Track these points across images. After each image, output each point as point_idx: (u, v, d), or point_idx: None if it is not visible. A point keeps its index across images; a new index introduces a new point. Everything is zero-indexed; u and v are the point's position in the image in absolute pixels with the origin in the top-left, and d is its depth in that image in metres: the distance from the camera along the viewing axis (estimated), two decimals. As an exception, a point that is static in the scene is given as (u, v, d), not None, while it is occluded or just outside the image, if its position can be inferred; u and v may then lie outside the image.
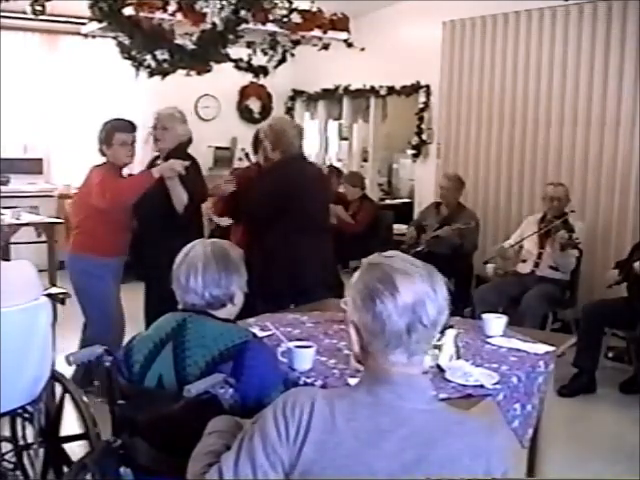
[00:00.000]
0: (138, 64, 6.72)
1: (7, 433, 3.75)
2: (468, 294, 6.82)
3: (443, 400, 2.59)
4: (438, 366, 2.98)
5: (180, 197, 5.01)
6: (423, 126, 9.31)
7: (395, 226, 9.28)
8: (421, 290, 1.80)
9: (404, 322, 1.78)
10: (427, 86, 9.24)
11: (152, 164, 5.48)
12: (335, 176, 8.84)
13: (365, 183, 9.04)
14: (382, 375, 1.83)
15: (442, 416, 1.85)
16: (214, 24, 6.33)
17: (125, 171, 5.52)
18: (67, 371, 3.19)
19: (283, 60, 7.30)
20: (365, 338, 1.85)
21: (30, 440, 3.60)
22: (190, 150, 5.72)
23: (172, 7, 6.33)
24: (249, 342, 2.53)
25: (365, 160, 11.05)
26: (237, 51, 7.11)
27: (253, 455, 1.80)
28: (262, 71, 7.37)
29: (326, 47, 7.48)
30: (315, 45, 7.49)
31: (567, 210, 6.58)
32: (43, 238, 7.77)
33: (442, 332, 3.10)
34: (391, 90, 9.75)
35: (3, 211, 7.55)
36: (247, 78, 8.24)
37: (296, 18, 6.94)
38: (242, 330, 2.63)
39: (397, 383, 1.82)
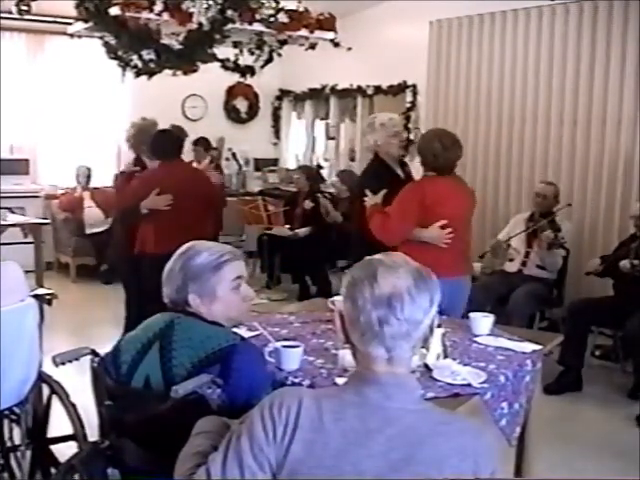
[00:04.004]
0: (124, 64, 6.72)
1: (-6, 435, 3.74)
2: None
3: (430, 399, 2.60)
4: (425, 365, 2.98)
5: None
6: (410, 125, 9.33)
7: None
8: (402, 284, 1.81)
9: (377, 313, 1.79)
10: (414, 86, 9.27)
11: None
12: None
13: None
14: (369, 375, 1.84)
15: (430, 416, 1.85)
16: (200, 24, 6.33)
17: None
18: (54, 372, 3.17)
19: (270, 60, 7.30)
20: (347, 327, 1.87)
21: (17, 442, 3.59)
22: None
23: (158, 7, 6.32)
24: (237, 345, 2.51)
25: (352, 160, 11.05)
26: (224, 51, 7.11)
27: (241, 455, 1.80)
28: (249, 71, 7.37)
29: (313, 47, 7.48)
30: (302, 45, 7.50)
31: (555, 209, 6.60)
32: (30, 239, 7.75)
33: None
34: (378, 90, 9.78)
35: (-11, 212, 7.53)
36: (234, 78, 8.22)
37: (283, 18, 6.95)
38: (229, 333, 2.61)
39: (385, 383, 1.82)
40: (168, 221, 5.63)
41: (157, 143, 5.94)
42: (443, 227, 4.50)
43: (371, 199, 4.83)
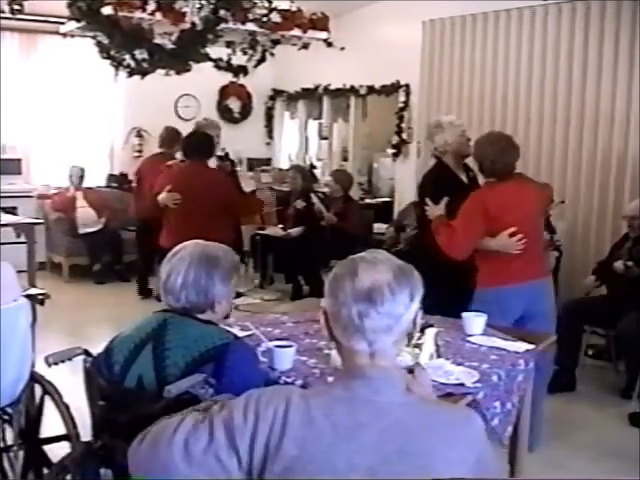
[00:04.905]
0: (117, 64, 6.71)
1: (-14, 435, 3.73)
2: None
3: (423, 399, 2.60)
4: (418, 365, 2.98)
5: None
6: (403, 125, 9.33)
7: (375, 225, 9.31)
8: (382, 278, 1.84)
9: (358, 307, 1.82)
10: (407, 85, 9.27)
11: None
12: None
13: (351, 183, 9.01)
14: (356, 370, 1.86)
15: (418, 408, 1.88)
16: (193, 24, 6.33)
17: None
18: (47, 372, 3.16)
19: (263, 60, 7.31)
20: (330, 323, 1.90)
21: (10, 442, 3.57)
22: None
23: (151, 7, 6.32)
24: (230, 344, 2.51)
25: (345, 159, 11.06)
26: (217, 51, 7.11)
27: (213, 427, 1.84)
28: (242, 71, 7.37)
29: (306, 46, 7.49)
30: (295, 45, 7.51)
31: (549, 210, 6.60)
32: (22, 239, 7.72)
33: (422, 331, 3.11)
34: (371, 89, 9.78)
35: (-19, 212, 7.51)
36: (227, 78, 8.24)
37: (276, 17, 6.95)
38: (223, 332, 2.61)
39: (372, 377, 1.84)
40: (176, 219, 5.97)
41: (184, 142, 6.35)
42: (512, 234, 4.36)
43: (433, 209, 4.67)
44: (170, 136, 8.57)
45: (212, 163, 6.61)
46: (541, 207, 4.76)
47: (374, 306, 1.82)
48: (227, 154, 7.14)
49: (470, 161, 5.15)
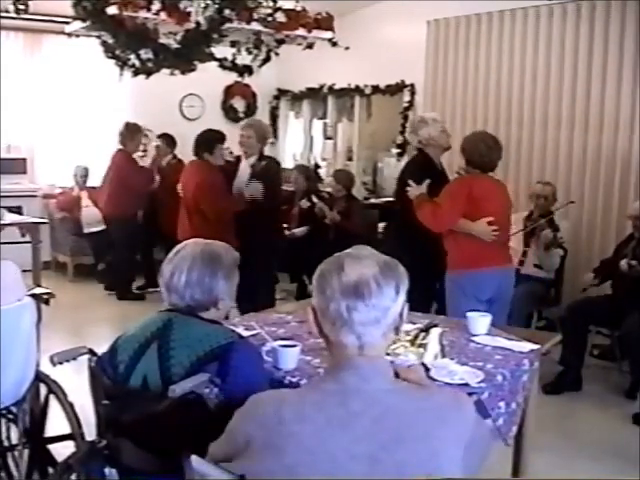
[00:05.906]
0: (122, 63, 6.72)
1: (-9, 434, 3.73)
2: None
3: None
4: (423, 365, 2.98)
5: None
6: (408, 125, 9.32)
7: (380, 224, 9.29)
8: (368, 272, 1.87)
9: (345, 300, 1.85)
10: (412, 85, 9.26)
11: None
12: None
13: (352, 182, 8.96)
14: (345, 361, 1.89)
15: (409, 394, 1.91)
16: (198, 23, 6.33)
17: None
18: (52, 372, 3.17)
19: (267, 59, 7.31)
20: (319, 319, 1.93)
21: (14, 441, 3.58)
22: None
23: (156, 6, 6.33)
24: (234, 343, 2.52)
25: (350, 159, 11.03)
26: (221, 50, 7.11)
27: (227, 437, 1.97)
28: (246, 70, 7.37)
29: (310, 46, 7.49)
30: (300, 44, 7.50)
31: (554, 209, 6.61)
32: (27, 238, 7.73)
33: (427, 331, 3.11)
34: (376, 89, 9.77)
35: (-14, 211, 7.51)
36: (232, 77, 8.24)
37: (280, 17, 6.96)
38: (228, 331, 2.62)
39: (359, 366, 1.87)
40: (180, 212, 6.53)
41: None
42: (490, 223, 4.86)
43: (415, 189, 5.23)
44: (126, 133, 8.57)
45: (249, 162, 6.72)
46: (510, 206, 5.25)
47: (362, 299, 1.85)
48: (231, 153, 7.07)
49: (445, 156, 5.87)
